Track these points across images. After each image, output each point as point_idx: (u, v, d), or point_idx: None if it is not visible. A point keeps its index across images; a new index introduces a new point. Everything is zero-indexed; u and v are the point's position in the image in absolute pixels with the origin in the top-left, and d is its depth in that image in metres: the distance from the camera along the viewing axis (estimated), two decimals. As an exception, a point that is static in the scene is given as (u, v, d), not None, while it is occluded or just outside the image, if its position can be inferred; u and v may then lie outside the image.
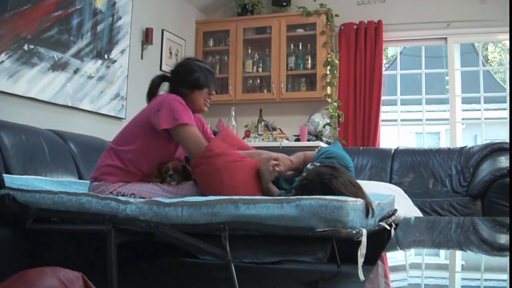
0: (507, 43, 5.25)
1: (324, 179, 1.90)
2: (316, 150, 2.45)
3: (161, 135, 2.27)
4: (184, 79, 2.44)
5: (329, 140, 4.93)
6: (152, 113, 2.29)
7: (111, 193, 2.25)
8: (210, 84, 2.48)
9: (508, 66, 7.03)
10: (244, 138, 4.92)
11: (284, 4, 5.22)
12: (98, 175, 2.32)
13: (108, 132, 3.72)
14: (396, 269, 1.27)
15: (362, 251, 1.68)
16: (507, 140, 4.02)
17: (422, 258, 1.44)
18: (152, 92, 2.51)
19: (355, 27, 5.02)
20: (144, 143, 2.32)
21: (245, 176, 2.10)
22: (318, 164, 2.19)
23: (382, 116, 4.98)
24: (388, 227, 2.06)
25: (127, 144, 2.34)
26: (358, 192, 1.91)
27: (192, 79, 2.43)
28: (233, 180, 2.06)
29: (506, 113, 6.30)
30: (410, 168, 3.95)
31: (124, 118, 4.10)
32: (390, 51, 8.88)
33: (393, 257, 1.42)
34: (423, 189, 3.76)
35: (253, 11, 5.34)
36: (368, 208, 1.78)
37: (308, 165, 2.34)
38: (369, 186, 2.47)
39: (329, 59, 4.92)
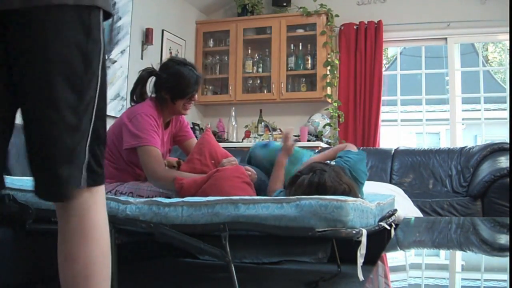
0: (507, 43, 5.26)
1: (315, 171, 2.00)
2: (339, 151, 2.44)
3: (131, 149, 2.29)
4: (166, 87, 2.37)
5: (329, 141, 4.93)
6: (124, 125, 2.29)
7: (110, 192, 2.27)
8: (192, 91, 2.40)
9: (508, 66, 7.04)
10: (244, 138, 4.93)
11: (284, 4, 5.22)
12: None
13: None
14: (396, 269, 1.27)
15: (361, 251, 1.68)
16: (507, 140, 4.02)
17: (422, 258, 1.45)
18: (140, 89, 2.46)
19: (355, 27, 5.02)
20: (128, 157, 2.35)
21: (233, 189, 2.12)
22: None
23: (382, 116, 4.98)
24: (388, 227, 2.06)
25: (114, 158, 2.36)
26: (348, 187, 1.98)
27: (174, 89, 2.36)
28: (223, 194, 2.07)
29: (506, 113, 6.30)
30: (410, 168, 3.95)
31: (124, 118, 4.11)
32: (390, 51, 8.89)
33: (393, 257, 1.42)
34: (423, 190, 3.76)
35: (253, 12, 5.34)
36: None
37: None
38: (369, 186, 2.48)
39: (329, 59, 4.92)
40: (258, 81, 5.32)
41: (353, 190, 1.98)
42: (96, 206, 1.08)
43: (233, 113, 4.97)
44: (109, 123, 2.46)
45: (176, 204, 1.88)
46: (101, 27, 1.08)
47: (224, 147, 2.57)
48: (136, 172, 2.40)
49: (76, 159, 1.05)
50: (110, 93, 3.97)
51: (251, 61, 5.24)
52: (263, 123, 5.01)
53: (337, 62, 5.00)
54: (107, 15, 1.11)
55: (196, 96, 2.45)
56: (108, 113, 4.08)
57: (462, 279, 1.14)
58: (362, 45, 4.96)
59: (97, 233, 1.06)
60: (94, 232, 1.06)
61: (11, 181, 2.17)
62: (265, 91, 5.20)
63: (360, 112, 4.92)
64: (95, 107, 1.07)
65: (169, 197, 2.15)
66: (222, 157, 2.37)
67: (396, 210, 2.35)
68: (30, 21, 0.98)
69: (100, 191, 1.10)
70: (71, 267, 1.04)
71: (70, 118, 1.02)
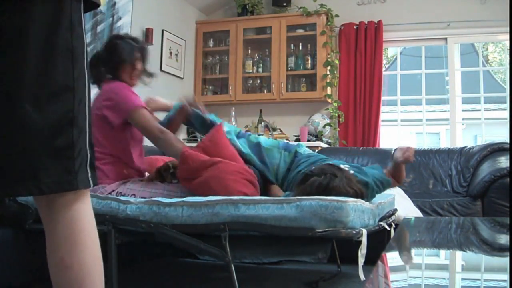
0: (507, 43, 5.26)
1: (326, 174, 1.98)
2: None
3: (122, 126, 2.29)
4: (104, 62, 2.39)
5: (329, 141, 4.93)
6: (104, 107, 2.29)
7: (111, 193, 2.25)
8: (129, 60, 2.40)
9: (508, 66, 7.04)
10: (244, 138, 4.92)
11: (284, 4, 5.22)
12: None
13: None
14: (396, 269, 1.27)
15: (362, 251, 1.68)
16: (507, 140, 4.02)
17: (422, 258, 1.44)
18: (95, 73, 2.40)
19: (355, 27, 5.02)
20: (116, 142, 2.33)
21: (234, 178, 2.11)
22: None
23: (382, 116, 4.98)
24: (388, 227, 2.06)
25: (100, 149, 2.32)
26: (356, 192, 1.95)
27: (111, 62, 2.38)
28: (225, 187, 2.06)
29: (506, 113, 6.30)
30: (410, 168, 3.94)
31: (124, 118, 4.10)
32: (390, 51, 8.90)
33: (393, 257, 1.42)
34: (423, 189, 3.76)
35: (253, 12, 5.34)
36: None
37: None
38: (369, 186, 2.47)
39: (329, 59, 4.92)
40: (258, 81, 5.32)
41: (360, 196, 1.94)
42: (85, 210, 1.04)
43: (233, 113, 4.97)
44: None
45: (176, 204, 1.89)
46: (83, 21, 1.03)
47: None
48: (122, 161, 2.37)
49: (79, 157, 1.02)
50: (110, 93, 3.96)
51: (251, 61, 5.24)
52: (263, 123, 5.01)
53: (337, 62, 5.00)
54: (92, 5, 1.06)
55: (139, 65, 2.45)
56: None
57: (462, 279, 1.14)
58: (362, 45, 4.96)
59: (88, 239, 1.03)
60: (85, 238, 1.03)
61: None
62: (265, 91, 5.20)
63: (360, 112, 4.92)
64: (86, 103, 1.04)
65: (170, 197, 2.15)
66: (231, 158, 2.30)
67: (396, 209, 2.35)
68: (9, 11, 0.94)
69: (88, 194, 1.06)
70: (64, 275, 1.01)
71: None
